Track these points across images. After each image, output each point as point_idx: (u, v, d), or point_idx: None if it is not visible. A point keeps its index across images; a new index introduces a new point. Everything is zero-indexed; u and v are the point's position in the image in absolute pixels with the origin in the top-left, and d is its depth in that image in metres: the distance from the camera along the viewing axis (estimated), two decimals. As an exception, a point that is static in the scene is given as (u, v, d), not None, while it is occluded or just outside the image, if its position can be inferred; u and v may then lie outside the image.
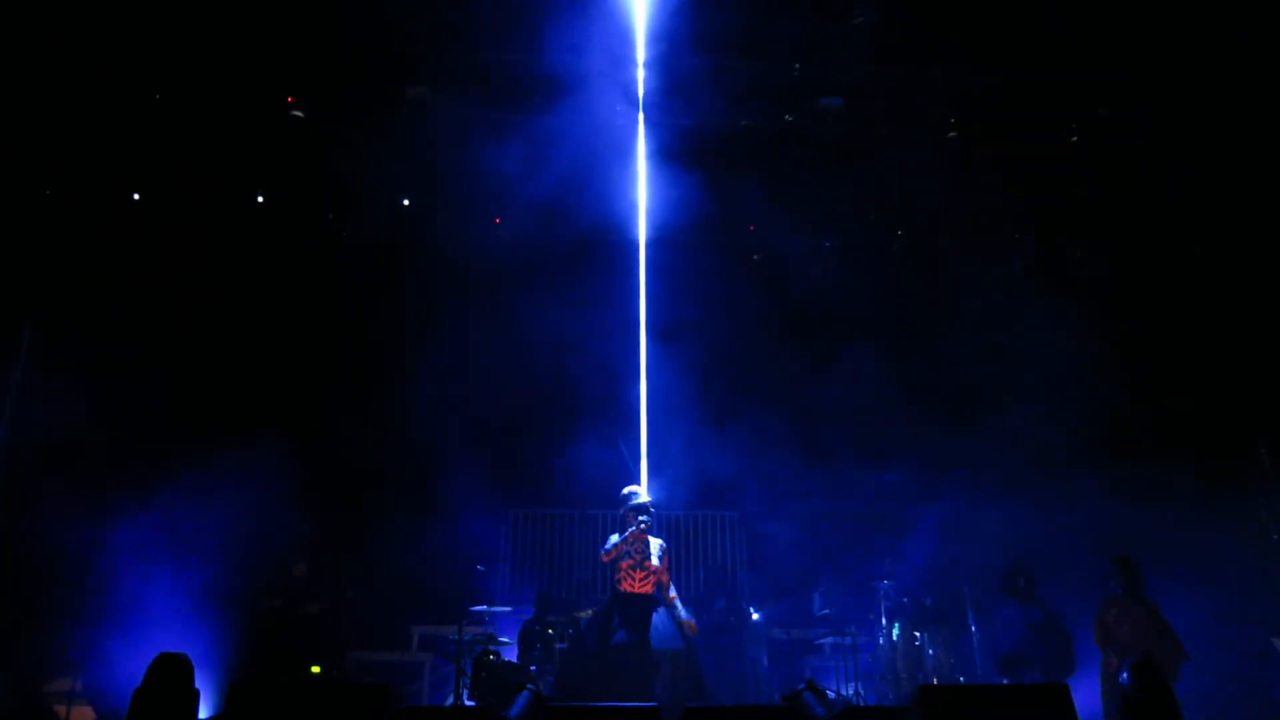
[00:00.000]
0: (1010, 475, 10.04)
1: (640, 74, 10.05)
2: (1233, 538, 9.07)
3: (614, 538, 7.41)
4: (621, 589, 7.18)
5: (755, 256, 12.34)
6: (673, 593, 7.37)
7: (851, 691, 9.13)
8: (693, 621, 7.34)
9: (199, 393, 9.87)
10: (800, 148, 10.79)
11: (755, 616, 10.35)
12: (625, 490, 7.67)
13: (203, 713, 5.65)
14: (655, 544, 7.33)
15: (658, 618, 6.97)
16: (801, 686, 5.51)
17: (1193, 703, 6.90)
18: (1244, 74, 9.14)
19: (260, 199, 11.21)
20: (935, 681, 8.71)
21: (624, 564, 7.23)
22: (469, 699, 8.62)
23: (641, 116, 10.31)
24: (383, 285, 11.42)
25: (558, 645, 8.92)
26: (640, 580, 7.15)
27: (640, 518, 7.36)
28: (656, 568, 7.21)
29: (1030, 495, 9.98)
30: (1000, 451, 10.08)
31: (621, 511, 7.55)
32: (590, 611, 9.65)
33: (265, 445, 9.81)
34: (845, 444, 11.20)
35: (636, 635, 6.83)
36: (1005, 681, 7.94)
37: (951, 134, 10.68)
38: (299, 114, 10.43)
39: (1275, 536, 9.33)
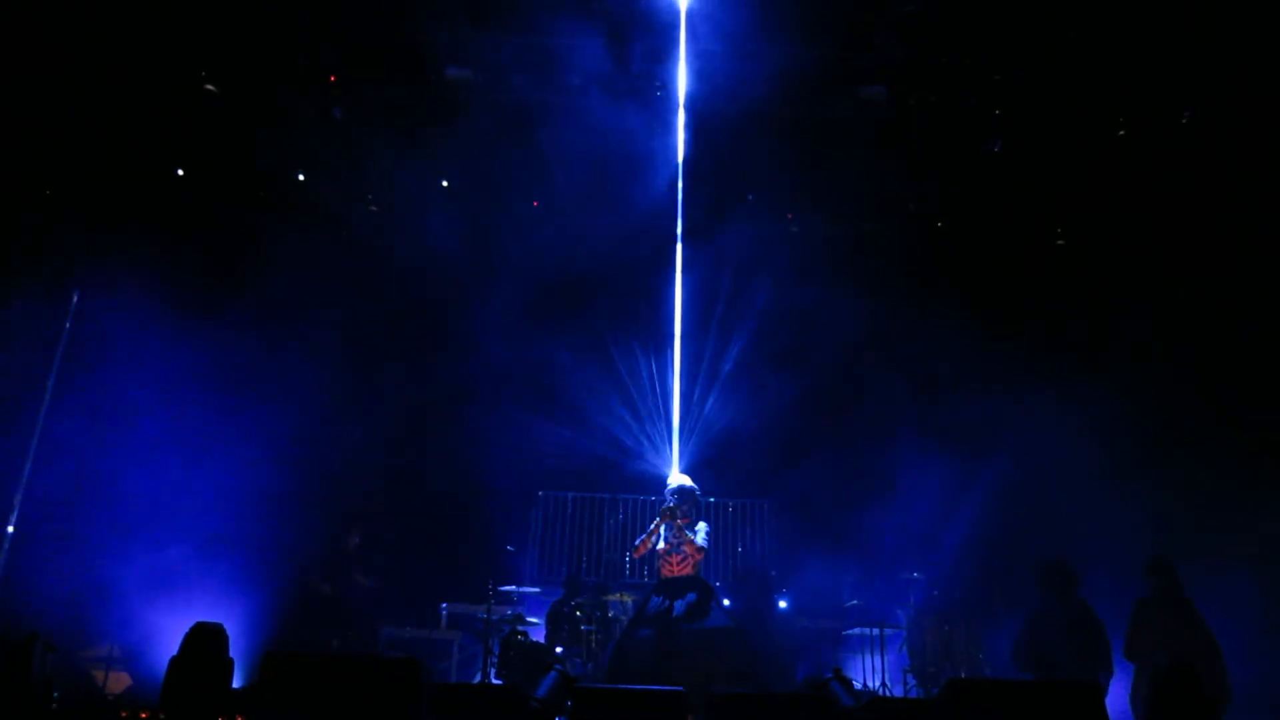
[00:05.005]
0: (1048, 464, 9.93)
1: (682, 58, 9.98)
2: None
3: (662, 529, 7.54)
4: (662, 574, 7.36)
5: (795, 229, 12.21)
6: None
7: (879, 683, 9.11)
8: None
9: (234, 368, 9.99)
10: (841, 136, 10.67)
11: (783, 605, 10.35)
12: (669, 480, 7.83)
13: (237, 682, 5.75)
14: (701, 527, 7.48)
15: (693, 599, 7.05)
16: (828, 676, 5.49)
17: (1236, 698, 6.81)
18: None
19: (300, 177, 11.28)
20: (964, 675, 8.65)
21: (660, 549, 7.39)
22: (496, 678, 8.71)
23: (682, 101, 10.24)
24: (416, 268, 11.47)
25: (584, 627, 8.98)
26: (679, 564, 7.29)
27: (681, 506, 7.46)
28: (692, 552, 7.30)
29: (1069, 483, 9.87)
30: (1038, 441, 9.98)
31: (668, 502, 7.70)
32: (619, 595, 9.72)
33: (292, 419, 9.98)
34: (879, 434, 11.12)
35: (672, 617, 6.96)
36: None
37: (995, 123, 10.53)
38: (338, 94, 10.49)
39: None
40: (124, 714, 5.78)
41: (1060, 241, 11.41)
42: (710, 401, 10.95)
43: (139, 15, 9.15)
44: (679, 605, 7.02)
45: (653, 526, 7.52)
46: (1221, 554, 8.39)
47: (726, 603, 7.53)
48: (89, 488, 8.94)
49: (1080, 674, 7.19)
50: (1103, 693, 4.83)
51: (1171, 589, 7.28)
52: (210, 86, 10.04)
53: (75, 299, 9.53)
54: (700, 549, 7.37)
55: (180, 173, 10.75)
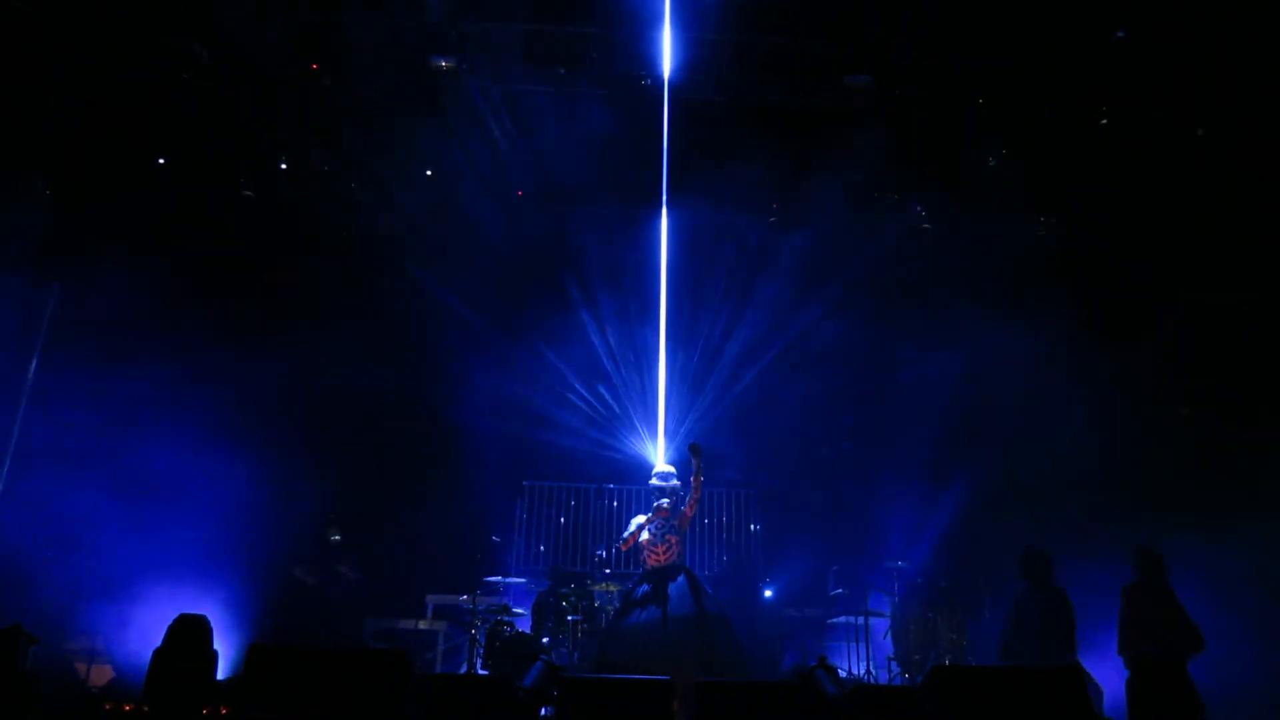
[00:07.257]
0: (1033, 452, 9.97)
1: (666, 47, 9.93)
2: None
3: (636, 520, 7.72)
4: (648, 565, 7.48)
5: (774, 219, 12.19)
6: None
7: (863, 671, 9.16)
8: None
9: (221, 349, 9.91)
10: (827, 125, 10.65)
11: (768, 594, 10.38)
12: (656, 470, 7.88)
13: (222, 674, 5.73)
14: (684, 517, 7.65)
15: (678, 585, 7.17)
16: (814, 664, 5.52)
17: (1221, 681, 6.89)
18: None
19: (283, 165, 11.17)
20: (948, 663, 8.71)
21: (644, 541, 7.54)
22: (482, 668, 8.72)
23: (666, 91, 10.20)
24: (400, 256, 11.40)
25: (570, 618, 8.99)
26: (663, 553, 7.43)
27: (661, 500, 7.55)
28: (675, 539, 7.48)
29: (1053, 472, 9.91)
30: (1023, 429, 10.03)
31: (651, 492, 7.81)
32: (604, 585, 9.76)
33: (278, 411, 9.93)
34: (866, 423, 11.15)
35: (659, 605, 7.10)
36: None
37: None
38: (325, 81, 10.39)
39: None
40: (107, 706, 5.74)
41: (1043, 233, 11.44)
42: (695, 391, 10.96)
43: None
44: (664, 594, 7.12)
45: (644, 522, 7.58)
46: (1211, 541, 8.44)
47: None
48: (72, 481, 8.86)
49: (1051, 660, 7.27)
50: (1084, 678, 4.86)
51: (1156, 576, 7.34)
52: (185, 75, 9.93)
53: (56, 291, 9.45)
54: (686, 512, 7.56)
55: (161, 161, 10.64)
